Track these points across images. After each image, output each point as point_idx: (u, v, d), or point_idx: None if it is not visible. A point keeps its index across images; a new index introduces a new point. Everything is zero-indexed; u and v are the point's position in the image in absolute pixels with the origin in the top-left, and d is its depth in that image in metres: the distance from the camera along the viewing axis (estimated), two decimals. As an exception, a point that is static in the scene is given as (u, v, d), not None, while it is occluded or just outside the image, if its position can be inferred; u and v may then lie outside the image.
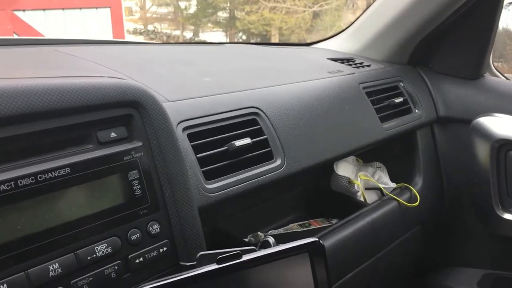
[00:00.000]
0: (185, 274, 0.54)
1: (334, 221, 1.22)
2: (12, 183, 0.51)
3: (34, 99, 0.54)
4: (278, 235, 1.14)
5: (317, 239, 0.60)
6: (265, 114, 0.94)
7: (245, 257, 0.57)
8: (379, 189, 1.29)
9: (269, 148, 0.92)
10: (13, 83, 0.54)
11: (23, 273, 0.51)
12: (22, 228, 0.52)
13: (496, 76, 1.49)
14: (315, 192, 1.30)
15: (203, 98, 0.89)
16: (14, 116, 0.52)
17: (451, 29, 1.39)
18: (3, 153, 0.52)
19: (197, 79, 1.00)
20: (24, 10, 5.91)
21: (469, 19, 1.36)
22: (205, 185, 0.79)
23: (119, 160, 0.61)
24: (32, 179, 0.53)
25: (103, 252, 0.58)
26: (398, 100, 1.30)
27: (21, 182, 0.52)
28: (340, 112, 1.12)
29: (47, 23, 6.02)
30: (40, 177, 0.54)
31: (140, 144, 0.64)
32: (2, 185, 0.51)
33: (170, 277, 0.54)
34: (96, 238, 0.58)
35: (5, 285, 0.49)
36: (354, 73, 1.27)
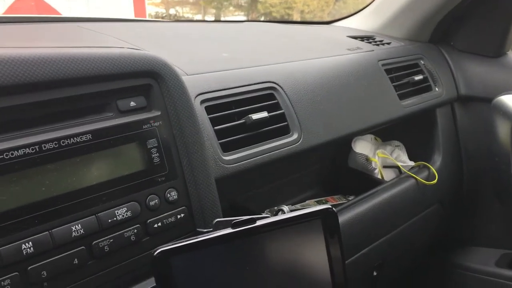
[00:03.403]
0: (201, 237, 0.56)
1: (351, 198, 1.22)
2: (36, 147, 0.54)
3: (57, 67, 0.56)
4: (294, 211, 1.15)
5: (329, 206, 0.61)
6: (282, 88, 0.95)
7: (259, 222, 0.58)
8: (397, 167, 1.29)
9: (286, 122, 0.92)
10: (38, 51, 0.56)
11: (47, 232, 0.54)
12: (46, 190, 0.54)
13: (520, 53, 1.46)
14: (333, 169, 1.31)
15: (221, 72, 0.90)
16: (38, 83, 0.54)
17: (473, 6, 1.37)
18: (28, 118, 0.55)
19: (216, 54, 1.01)
20: (48, -6, 5.97)
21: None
22: (222, 157, 0.81)
23: (138, 128, 0.63)
24: (56, 144, 0.55)
25: (123, 216, 0.60)
26: (418, 77, 1.29)
27: (45, 146, 0.54)
28: (358, 88, 1.12)
29: (70, 7, 6.08)
30: (63, 142, 0.56)
31: (159, 113, 0.66)
32: (27, 149, 0.53)
33: (187, 239, 0.56)
34: (117, 203, 0.60)
35: (30, 243, 0.52)
36: (373, 50, 1.27)
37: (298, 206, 1.19)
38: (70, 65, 0.57)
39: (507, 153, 1.26)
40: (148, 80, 0.65)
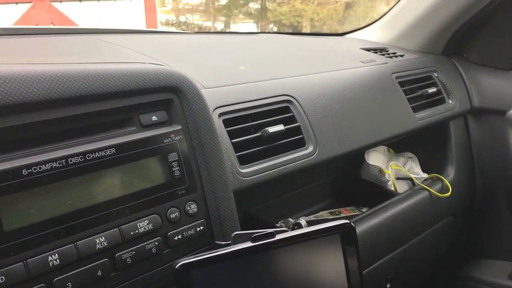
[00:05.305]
0: (222, 250, 0.57)
1: (364, 209, 1.23)
2: (63, 161, 0.55)
3: (82, 83, 0.57)
4: (308, 222, 1.16)
5: (348, 221, 0.62)
6: (298, 102, 0.96)
7: (278, 236, 0.59)
8: (410, 179, 1.29)
9: (302, 135, 0.94)
10: (63, 67, 0.57)
11: (72, 244, 0.55)
12: (71, 203, 0.56)
13: (534, 66, 1.46)
14: (346, 181, 1.32)
15: (238, 86, 0.91)
16: (65, 99, 0.55)
17: (487, 19, 1.37)
18: (55, 133, 0.56)
19: (232, 67, 1.03)
20: (61, 1, 6.06)
21: (505, 9, 1.34)
22: (240, 169, 0.82)
23: (160, 142, 0.64)
24: (81, 158, 0.57)
25: (144, 228, 0.61)
26: (432, 90, 1.30)
27: (71, 160, 0.56)
28: (372, 101, 1.12)
29: (83, 14, 6.16)
30: (88, 156, 0.57)
31: (179, 127, 0.67)
32: (55, 163, 0.54)
33: (207, 252, 0.57)
34: (139, 215, 0.61)
35: (56, 255, 0.53)
36: (387, 63, 1.27)
37: (311, 217, 1.19)
38: (95, 81, 0.58)
39: (521, 166, 1.26)
40: (170, 95, 0.67)
